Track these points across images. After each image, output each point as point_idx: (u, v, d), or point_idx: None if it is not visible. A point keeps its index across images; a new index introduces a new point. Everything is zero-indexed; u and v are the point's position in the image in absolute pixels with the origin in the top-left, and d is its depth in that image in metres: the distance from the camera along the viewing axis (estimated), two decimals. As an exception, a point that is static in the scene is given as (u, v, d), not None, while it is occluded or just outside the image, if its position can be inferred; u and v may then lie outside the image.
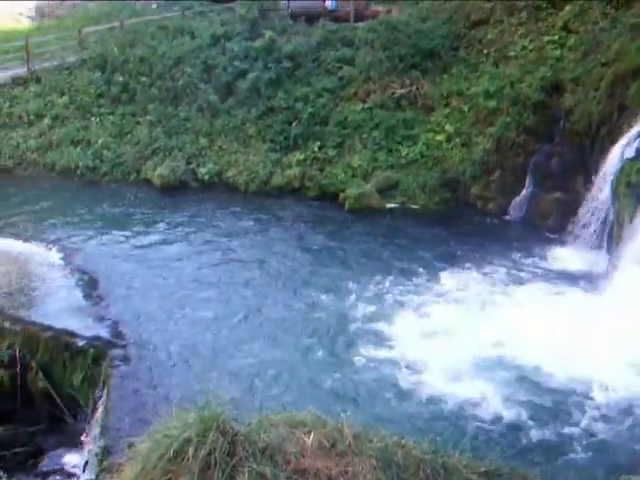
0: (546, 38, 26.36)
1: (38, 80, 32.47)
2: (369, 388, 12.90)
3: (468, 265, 18.65)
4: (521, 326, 14.61)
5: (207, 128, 28.46)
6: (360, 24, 32.65)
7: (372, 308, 16.06)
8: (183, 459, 4.68)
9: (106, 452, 10.65)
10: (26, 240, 20.40)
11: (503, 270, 18.42)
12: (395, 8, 34.84)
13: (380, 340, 14.54)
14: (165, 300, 16.48)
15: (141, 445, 4.99)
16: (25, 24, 43.01)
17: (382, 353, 14.03)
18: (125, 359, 13.53)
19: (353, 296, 16.72)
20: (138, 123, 29.42)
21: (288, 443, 5.10)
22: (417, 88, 27.50)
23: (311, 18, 34.24)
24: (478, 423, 11.68)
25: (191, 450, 4.66)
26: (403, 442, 5.66)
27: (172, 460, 4.70)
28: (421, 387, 12.80)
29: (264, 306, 16.44)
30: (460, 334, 14.52)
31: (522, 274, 18.22)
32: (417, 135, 26.04)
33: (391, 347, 14.22)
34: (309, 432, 5.30)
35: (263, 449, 4.89)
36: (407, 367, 13.48)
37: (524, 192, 22.86)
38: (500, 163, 23.51)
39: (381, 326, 15.18)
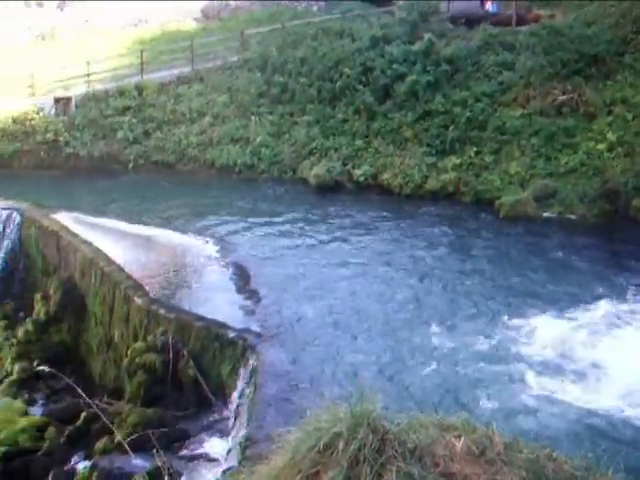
0: None
1: (201, 79, 33.62)
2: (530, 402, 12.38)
3: (631, 290, 16.97)
4: None
5: (364, 130, 28.64)
6: (522, 28, 31.99)
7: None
8: (332, 452, 4.67)
9: (250, 441, 10.80)
10: (184, 233, 21.05)
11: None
12: (558, 12, 33.99)
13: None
14: (316, 299, 16.52)
15: (291, 435, 5.02)
16: (190, 25, 44.45)
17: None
18: (273, 353, 13.68)
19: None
20: (296, 123, 29.95)
21: (437, 446, 5.02)
22: (579, 95, 26.70)
23: (471, 22, 33.84)
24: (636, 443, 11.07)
25: (341, 444, 4.65)
26: (554, 455, 5.47)
27: (321, 452, 4.70)
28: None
29: (421, 314, 15.94)
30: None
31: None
32: (578, 143, 25.27)
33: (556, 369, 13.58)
34: (459, 436, 5.20)
35: (412, 449, 4.82)
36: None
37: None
38: (665, 174, 22.51)
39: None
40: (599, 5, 32.08)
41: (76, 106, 32.20)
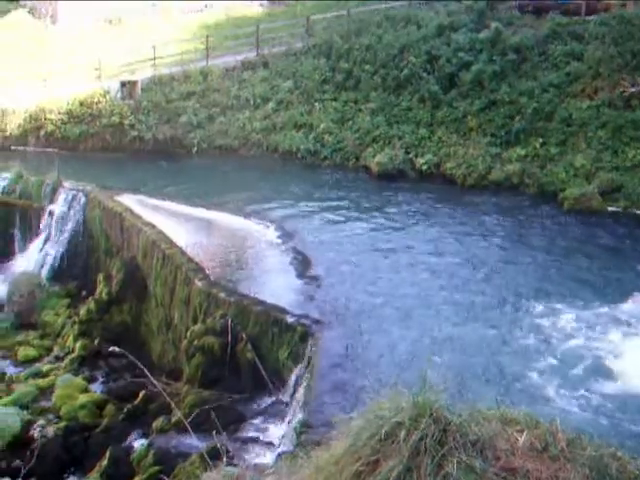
0: None
1: (266, 65, 33.70)
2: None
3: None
4: None
5: (428, 119, 28.45)
6: (591, 17, 31.39)
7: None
8: (393, 442, 4.64)
9: (305, 427, 10.84)
10: (246, 217, 21.16)
11: None
12: (630, 2, 33.27)
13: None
14: (375, 286, 16.50)
15: (352, 422, 5.00)
16: (256, 10, 44.52)
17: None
18: (331, 339, 13.70)
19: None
20: (360, 110, 29.88)
21: (499, 439, 4.95)
22: (650, 87, 26.16)
23: (540, 10, 33.33)
24: None
25: (402, 434, 4.60)
26: (618, 454, 5.36)
27: (382, 441, 4.67)
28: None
29: (479, 306, 15.69)
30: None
31: None
32: (646, 137, 24.74)
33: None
34: (521, 431, 5.12)
35: (474, 442, 4.76)
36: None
37: None
38: None
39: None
40: (672, -6, 31.34)
41: (142, 90, 32.52)
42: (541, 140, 25.95)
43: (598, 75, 27.19)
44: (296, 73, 32.57)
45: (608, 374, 12.72)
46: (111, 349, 14.48)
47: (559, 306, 15.44)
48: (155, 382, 11.53)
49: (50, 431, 15.20)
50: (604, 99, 26.31)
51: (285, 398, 13.41)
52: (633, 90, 26.12)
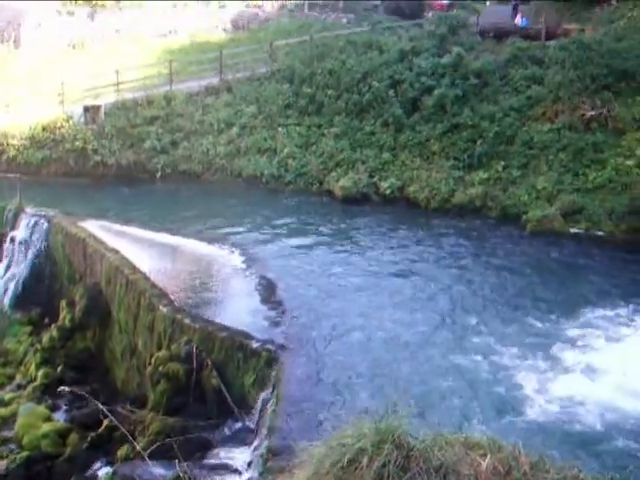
0: None
1: (229, 90, 33.73)
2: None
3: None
4: None
5: (391, 142, 28.63)
6: (551, 42, 31.88)
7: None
8: (356, 468, 4.64)
9: (271, 453, 10.78)
10: (211, 242, 21.09)
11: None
12: (588, 27, 33.85)
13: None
14: (341, 311, 16.50)
15: (315, 450, 4.98)
16: (220, 36, 44.62)
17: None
18: (297, 364, 13.66)
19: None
20: (323, 135, 30.00)
21: (462, 464, 4.97)
22: (608, 110, 26.52)
23: (500, 35, 33.82)
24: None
25: (365, 460, 4.61)
26: (581, 476, 5.41)
27: (345, 468, 4.67)
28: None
29: (441, 329, 15.88)
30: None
31: None
32: (606, 159, 25.09)
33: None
34: (484, 455, 5.14)
35: (437, 468, 4.78)
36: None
37: None
38: (694, 192, 22.27)
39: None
40: (629, 20, 31.93)
41: (105, 115, 32.38)
42: (503, 163, 26.22)
43: (558, 99, 27.57)
44: (260, 98, 32.63)
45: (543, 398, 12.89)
46: (60, 389, 14.39)
47: (506, 328, 15.75)
48: (107, 412, 11.31)
49: (2, 465, 15.00)
50: (564, 122, 26.67)
51: (251, 424, 13.31)
52: (592, 113, 26.52)
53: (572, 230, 23.15)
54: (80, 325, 19.45)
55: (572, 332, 15.53)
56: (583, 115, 26.64)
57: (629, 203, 23.12)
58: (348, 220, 24.28)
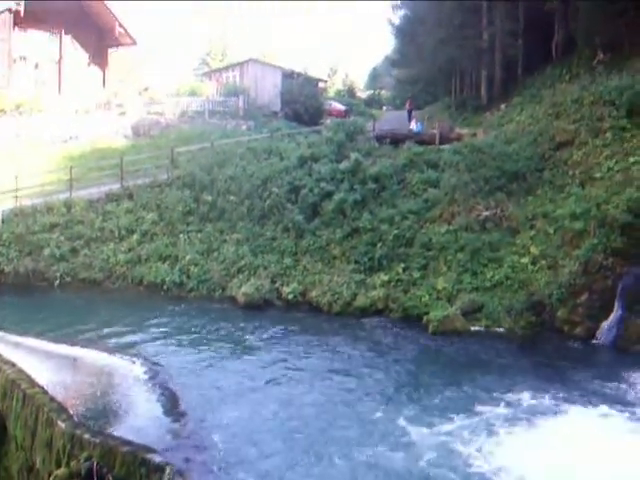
0: (632, 159, 26.55)
1: (130, 196, 33.72)
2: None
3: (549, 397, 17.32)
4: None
5: (292, 248, 28.91)
6: (445, 147, 33.04)
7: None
8: None
9: None
10: (111, 352, 20.65)
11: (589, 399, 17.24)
12: (479, 131, 35.28)
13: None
14: (246, 422, 16.28)
15: None
16: (121, 142, 44.75)
17: None
18: (202, 477, 13.35)
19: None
20: (225, 241, 30.08)
21: None
22: (502, 210, 27.51)
23: (396, 141, 34.89)
24: None
25: None
26: None
27: None
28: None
29: (354, 440, 15.42)
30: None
31: (604, 405, 16.96)
32: (502, 257, 25.89)
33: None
34: None
35: None
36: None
37: (613, 316, 22.18)
38: (587, 286, 23.01)
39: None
40: (518, 124, 33.42)
41: (3, 221, 31.82)
42: (403, 265, 26.70)
43: (454, 201, 28.44)
44: (161, 205, 32.64)
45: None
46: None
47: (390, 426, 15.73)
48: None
49: None
50: (461, 223, 27.47)
51: None
52: (487, 214, 27.41)
53: (473, 328, 23.60)
54: (-27, 444, 18.65)
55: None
56: (478, 216, 27.50)
57: (526, 299, 23.80)
58: (250, 327, 24.03)
